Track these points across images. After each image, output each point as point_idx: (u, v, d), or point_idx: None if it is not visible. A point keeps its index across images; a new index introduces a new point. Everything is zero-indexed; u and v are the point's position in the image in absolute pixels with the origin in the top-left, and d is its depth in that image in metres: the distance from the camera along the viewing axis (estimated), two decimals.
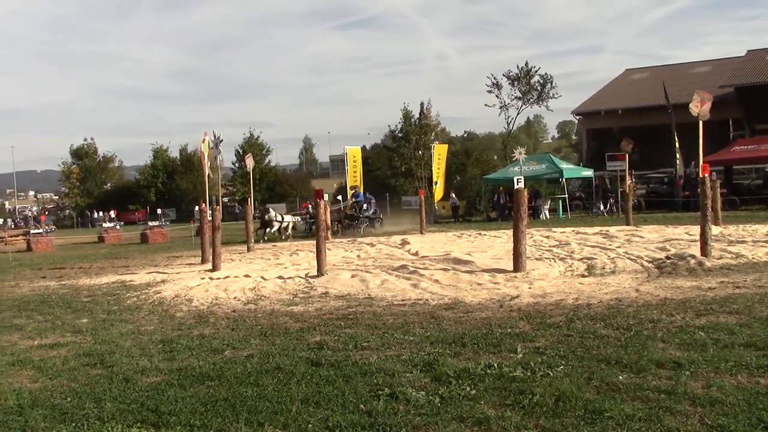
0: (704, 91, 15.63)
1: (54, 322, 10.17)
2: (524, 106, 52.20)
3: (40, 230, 37.67)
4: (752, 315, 7.79)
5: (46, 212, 71.29)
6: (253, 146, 62.98)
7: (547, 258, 14.43)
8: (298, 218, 29.89)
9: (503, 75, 50.85)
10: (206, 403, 5.58)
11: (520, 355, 6.55)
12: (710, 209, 14.34)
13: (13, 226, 49.55)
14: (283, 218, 27.58)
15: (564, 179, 34.53)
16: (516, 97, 51.19)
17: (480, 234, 22.90)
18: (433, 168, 35.84)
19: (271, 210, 28.46)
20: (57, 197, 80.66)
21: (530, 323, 8.10)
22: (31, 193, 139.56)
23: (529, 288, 10.96)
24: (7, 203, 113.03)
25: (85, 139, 74.41)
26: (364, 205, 29.49)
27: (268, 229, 26.88)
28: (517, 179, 14.27)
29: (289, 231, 27.51)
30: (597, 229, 20.99)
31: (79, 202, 70.26)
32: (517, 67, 50.69)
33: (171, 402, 5.68)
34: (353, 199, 30.05)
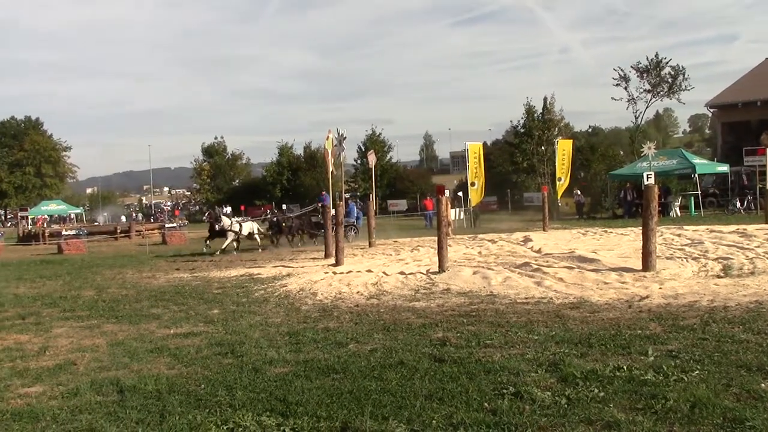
0: None
1: (188, 312, 10.67)
2: (654, 99, 50.04)
3: (174, 224, 39.64)
4: None
5: (180, 207, 75.05)
6: (374, 143, 63.73)
7: (678, 257, 13.80)
8: (255, 225, 24.48)
9: (631, 67, 48.90)
10: (332, 395, 5.69)
11: (652, 358, 6.29)
12: None
13: (153, 220, 52.43)
14: (241, 226, 23.29)
15: (697, 175, 32.95)
16: (645, 90, 49.15)
17: (606, 231, 22.18)
18: (556, 164, 35.03)
19: (223, 217, 24.06)
20: (189, 193, 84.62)
21: (661, 325, 7.78)
22: (166, 189, 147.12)
23: (660, 288, 10.51)
24: (144, 198, 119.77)
25: (216, 138, 77.74)
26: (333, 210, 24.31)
27: (227, 241, 22.57)
28: (647, 175, 13.74)
29: (257, 238, 23.53)
30: (733, 227, 19.85)
31: (209, 197, 73.39)
32: (647, 58, 48.64)
33: (298, 393, 5.83)
34: (318, 204, 25.44)
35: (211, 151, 76.30)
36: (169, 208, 76.20)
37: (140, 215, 72.80)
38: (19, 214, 62.28)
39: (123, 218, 61.87)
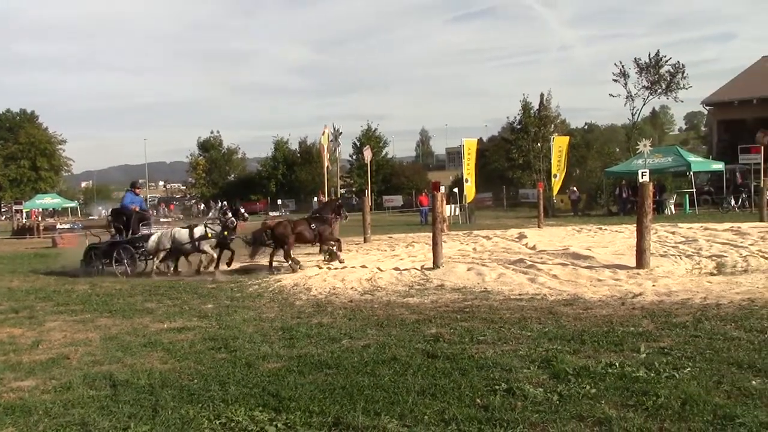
0: None
1: (182, 306, 10.67)
2: (651, 97, 50.08)
3: (169, 219, 39.57)
4: None
5: (174, 202, 74.90)
6: (370, 138, 63.73)
7: (672, 255, 13.83)
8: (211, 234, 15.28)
9: (633, 61, 48.85)
10: (324, 391, 5.69)
11: (644, 355, 6.32)
12: None
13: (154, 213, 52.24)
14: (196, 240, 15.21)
15: (692, 173, 33.02)
16: (643, 87, 49.18)
17: (600, 228, 22.21)
18: (552, 160, 35.11)
19: (149, 229, 16.70)
20: (184, 187, 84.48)
21: (654, 322, 7.80)
22: (161, 183, 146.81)
23: (653, 285, 10.54)
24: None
25: (212, 132, 77.70)
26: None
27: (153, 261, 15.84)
28: (642, 172, 13.78)
29: (210, 253, 15.06)
30: (727, 225, 19.89)
31: (204, 192, 73.34)
32: (648, 55, 48.65)
33: (291, 388, 5.83)
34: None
35: (207, 146, 76.28)
36: (155, 202, 75.82)
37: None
38: (13, 208, 62.04)
39: None
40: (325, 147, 23.57)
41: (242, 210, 16.36)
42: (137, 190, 17.20)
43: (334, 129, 23.89)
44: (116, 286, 13.47)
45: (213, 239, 15.02)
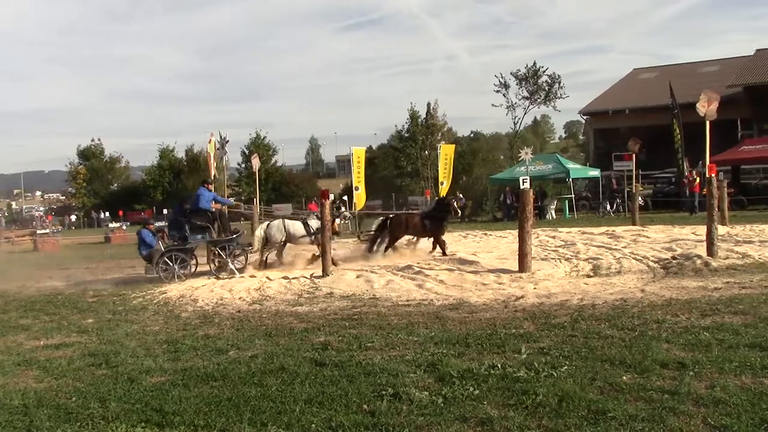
0: (711, 91, 15.57)
1: (60, 322, 10.23)
2: (531, 106, 52.10)
3: (47, 230, 37.81)
4: (758, 315, 7.75)
5: (53, 212, 71.56)
6: (259, 146, 63.10)
7: (552, 258, 14.39)
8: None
9: (511, 74, 50.72)
10: (210, 403, 5.60)
11: (524, 356, 6.54)
12: (717, 209, 14.30)
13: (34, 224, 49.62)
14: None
15: (571, 179, 34.44)
16: (523, 97, 51.08)
17: (485, 234, 22.86)
18: (439, 168, 35.78)
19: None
20: (64, 197, 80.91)
21: (535, 324, 8.09)
22: (38, 193, 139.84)
23: (534, 288, 10.94)
24: (14, 203, 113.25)
25: (93, 140, 74.94)
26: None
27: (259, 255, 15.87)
28: (523, 179, 14.24)
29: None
30: (603, 229, 20.89)
31: (86, 202, 70.52)
32: (526, 66, 50.57)
33: (175, 402, 5.70)
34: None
35: (88, 154, 73.40)
36: (42, 213, 72.13)
37: (2, 221, 68.65)
38: None
39: None
40: (212, 155, 23.12)
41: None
42: (210, 186, 16.57)
43: (221, 137, 23.29)
44: None
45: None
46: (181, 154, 70.92)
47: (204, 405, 5.57)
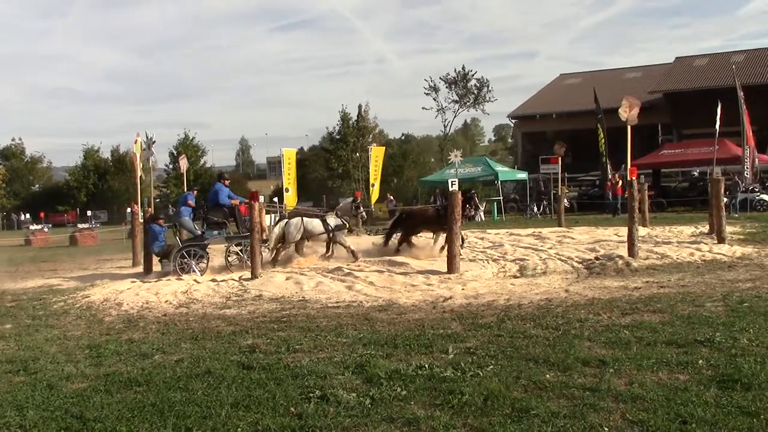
0: (632, 97, 16.08)
1: None
2: (461, 110, 52.91)
3: None
4: (674, 314, 8.04)
5: None
6: (187, 147, 61.87)
7: (480, 259, 14.62)
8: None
9: (441, 78, 51.38)
10: (133, 409, 5.47)
11: (451, 356, 6.62)
12: (638, 211, 14.77)
13: None
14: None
15: (499, 182, 35.01)
16: (453, 101, 51.79)
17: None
18: (370, 170, 35.92)
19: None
20: None
21: (462, 324, 8.19)
22: None
23: (463, 289, 11.09)
24: None
25: (13, 139, 72.39)
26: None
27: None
28: (451, 181, 14.44)
29: (347, 244, 15.72)
30: (530, 230, 21.32)
31: (5, 203, 68.04)
32: (455, 70, 51.28)
33: (97, 408, 5.55)
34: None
35: (7, 154, 70.85)
36: None
37: None
38: None
39: None
40: (138, 156, 22.67)
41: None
42: (226, 181, 16.13)
43: (147, 137, 22.84)
44: None
45: (345, 229, 15.58)
46: (106, 154, 69.26)
47: (127, 411, 5.44)
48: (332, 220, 15.52)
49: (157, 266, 15.66)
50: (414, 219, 16.36)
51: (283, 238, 15.43)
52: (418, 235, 16.95)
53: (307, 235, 15.42)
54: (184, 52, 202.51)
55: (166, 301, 11.39)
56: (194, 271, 14.53)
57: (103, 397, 5.89)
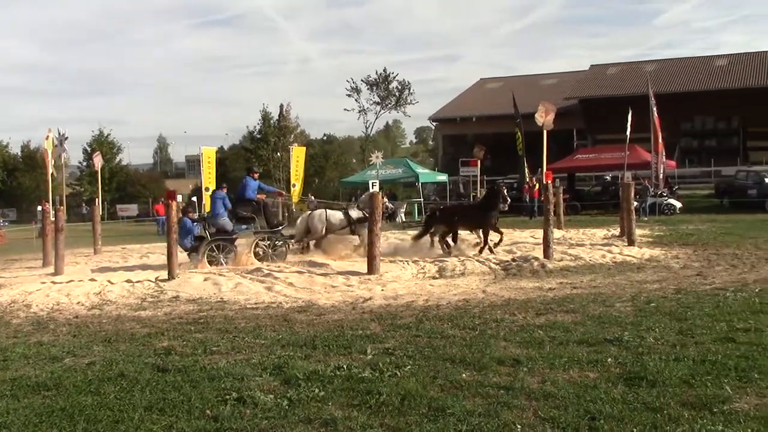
0: (548, 102, 16.59)
1: None
2: (382, 111, 53.20)
3: None
4: (586, 314, 8.31)
5: None
6: (102, 144, 60.10)
7: (400, 260, 14.72)
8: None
9: (362, 80, 51.58)
10: (41, 414, 5.29)
11: (370, 356, 6.65)
12: (553, 214, 15.17)
13: None
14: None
15: (420, 183, 35.34)
16: (374, 102, 52.04)
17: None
18: (291, 170, 35.74)
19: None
20: None
21: (381, 324, 8.25)
22: None
23: (382, 290, 11.16)
24: None
25: None
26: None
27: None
28: (372, 183, 14.52)
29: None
30: None
31: None
32: (376, 72, 51.56)
33: (2, 414, 5.34)
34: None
35: None
36: None
37: None
38: None
39: None
40: (49, 152, 21.91)
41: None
42: (255, 175, 16.11)
43: (59, 133, 22.09)
44: None
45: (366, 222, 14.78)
46: (16, 150, 66.65)
47: (34, 416, 5.25)
48: (354, 213, 15.59)
49: (69, 267, 15.18)
50: (451, 215, 16.21)
51: (307, 231, 15.53)
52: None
53: (330, 228, 15.51)
54: (106, 47, 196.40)
55: (78, 303, 11.04)
56: (223, 264, 14.64)
57: (8, 402, 5.67)
